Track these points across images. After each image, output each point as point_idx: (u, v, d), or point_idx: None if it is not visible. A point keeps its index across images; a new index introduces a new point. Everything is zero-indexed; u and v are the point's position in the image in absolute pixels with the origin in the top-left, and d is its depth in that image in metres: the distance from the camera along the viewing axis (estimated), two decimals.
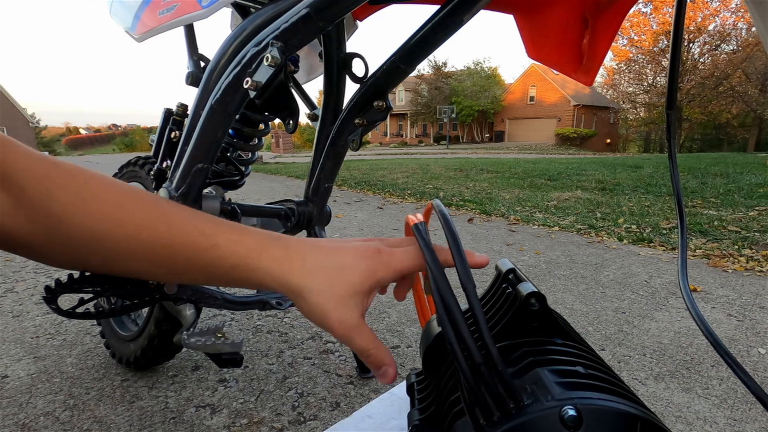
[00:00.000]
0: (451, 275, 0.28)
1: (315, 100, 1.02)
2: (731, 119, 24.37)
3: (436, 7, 0.61)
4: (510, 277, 0.40)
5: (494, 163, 8.89)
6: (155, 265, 0.33)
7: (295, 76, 1.00)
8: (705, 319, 0.44)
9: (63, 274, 1.31)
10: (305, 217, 0.97)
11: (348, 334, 0.33)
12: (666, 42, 22.38)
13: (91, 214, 0.31)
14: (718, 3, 21.73)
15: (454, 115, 26.97)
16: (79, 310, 0.75)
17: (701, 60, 23.10)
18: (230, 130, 0.91)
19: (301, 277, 0.33)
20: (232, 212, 0.89)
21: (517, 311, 0.35)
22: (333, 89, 0.87)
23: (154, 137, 1.01)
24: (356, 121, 0.79)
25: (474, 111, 29.31)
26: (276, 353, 1.27)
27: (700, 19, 22.03)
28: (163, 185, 0.79)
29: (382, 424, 0.60)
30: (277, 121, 0.94)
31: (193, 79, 0.96)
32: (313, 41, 0.83)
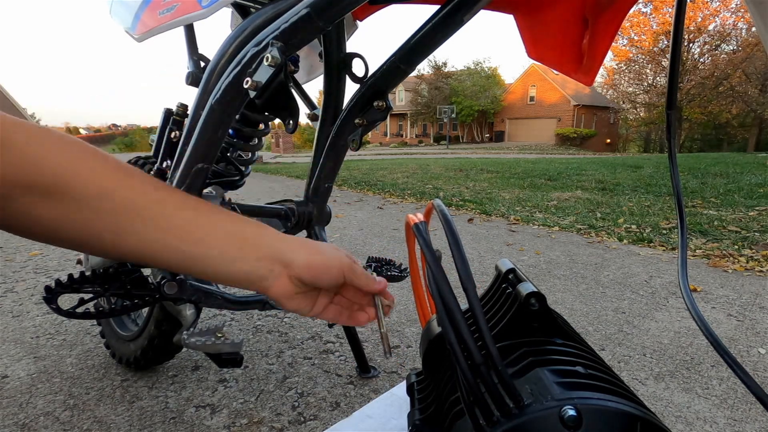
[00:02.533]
0: (451, 275, 0.28)
1: (315, 100, 1.02)
2: (731, 119, 24.35)
3: (436, 7, 0.61)
4: (510, 277, 0.40)
5: (494, 163, 8.89)
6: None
7: (295, 76, 1.00)
8: (705, 319, 0.44)
9: (63, 274, 1.30)
10: (305, 217, 0.97)
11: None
12: (666, 42, 22.37)
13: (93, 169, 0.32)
14: (718, 3, 21.72)
15: (454, 115, 26.96)
16: (79, 310, 0.75)
17: (701, 60, 23.07)
18: (230, 130, 0.91)
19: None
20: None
21: (517, 311, 0.35)
22: (333, 89, 0.87)
23: (154, 137, 1.01)
24: (356, 121, 0.79)
25: (474, 111, 29.30)
26: (276, 353, 1.27)
27: (700, 19, 22.02)
28: None
29: (382, 424, 0.60)
30: (277, 121, 0.94)
31: (193, 79, 0.96)
32: (313, 41, 0.83)
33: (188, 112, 0.92)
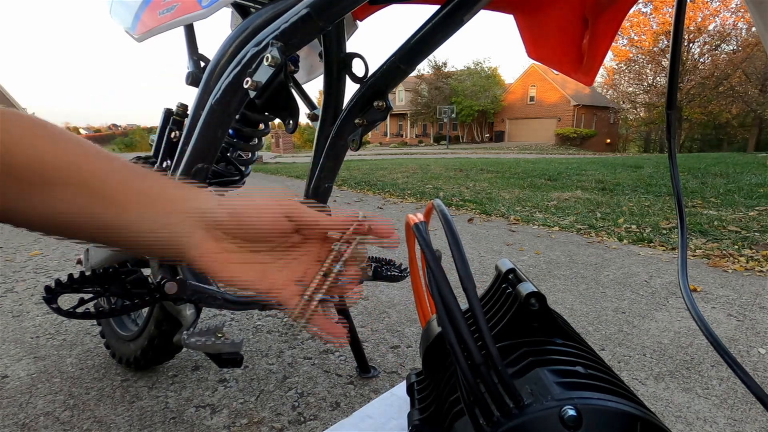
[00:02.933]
0: (451, 275, 0.28)
1: (315, 100, 1.02)
2: (731, 119, 24.33)
3: (436, 7, 0.61)
4: (510, 277, 0.40)
5: (494, 163, 8.89)
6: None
7: (295, 76, 1.00)
8: (705, 319, 0.44)
9: (63, 274, 1.30)
10: None
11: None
12: (666, 42, 22.36)
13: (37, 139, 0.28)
14: (718, 3, 21.71)
15: (454, 115, 26.95)
16: (79, 310, 0.75)
17: (701, 60, 23.06)
18: (230, 130, 0.91)
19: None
20: None
21: (517, 311, 0.35)
22: (333, 89, 0.87)
23: (154, 137, 1.01)
24: (356, 121, 0.79)
25: (474, 111, 29.29)
26: (276, 353, 1.27)
27: (700, 19, 22.01)
28: None
29: (382, 424, 0.60)
30: (277, 121, 0.94)
31: (193, 79, 0.96)
32: (313, 41, 0.83)
33: (188, 112, 0.92)
